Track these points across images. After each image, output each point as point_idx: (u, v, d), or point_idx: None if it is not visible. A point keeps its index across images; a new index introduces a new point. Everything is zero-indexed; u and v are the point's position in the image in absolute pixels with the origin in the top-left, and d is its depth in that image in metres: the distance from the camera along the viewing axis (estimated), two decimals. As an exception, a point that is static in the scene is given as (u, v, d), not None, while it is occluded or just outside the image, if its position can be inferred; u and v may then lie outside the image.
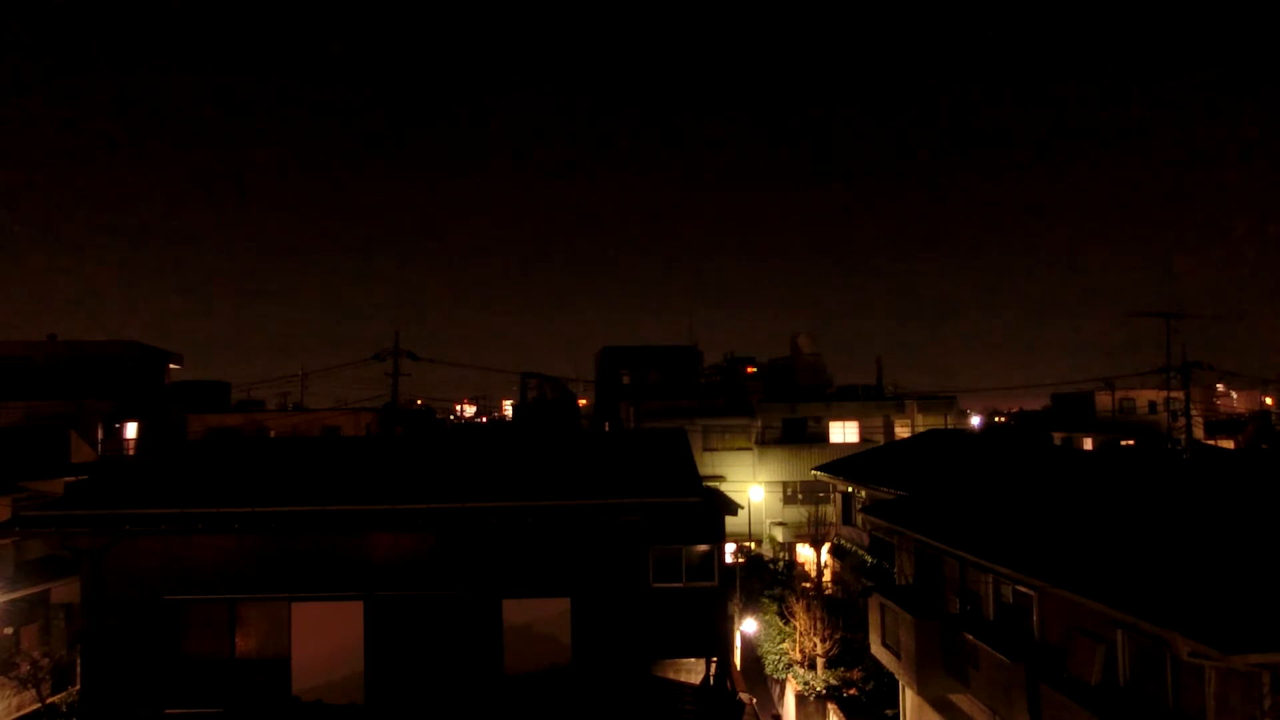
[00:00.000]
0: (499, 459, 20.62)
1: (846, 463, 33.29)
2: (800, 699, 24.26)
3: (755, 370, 61.78)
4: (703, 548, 17.81)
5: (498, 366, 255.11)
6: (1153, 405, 61.44)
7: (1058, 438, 57.63)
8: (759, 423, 44.18)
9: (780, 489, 42.92)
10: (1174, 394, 40.96)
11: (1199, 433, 55.41)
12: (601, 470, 19.15)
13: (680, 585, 17.66)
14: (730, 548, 28.87)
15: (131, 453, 38.50)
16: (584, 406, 68.86)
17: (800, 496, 41.91)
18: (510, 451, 21.63)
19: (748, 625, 27.90)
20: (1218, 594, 10.60)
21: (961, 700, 16.62)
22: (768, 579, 31.41)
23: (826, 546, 34.54)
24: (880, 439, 42.82)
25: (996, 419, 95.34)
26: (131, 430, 39.31)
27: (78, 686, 18.16)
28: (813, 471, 35.74)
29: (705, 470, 31.26)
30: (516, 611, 16.62)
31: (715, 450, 43.01)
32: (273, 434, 48.82)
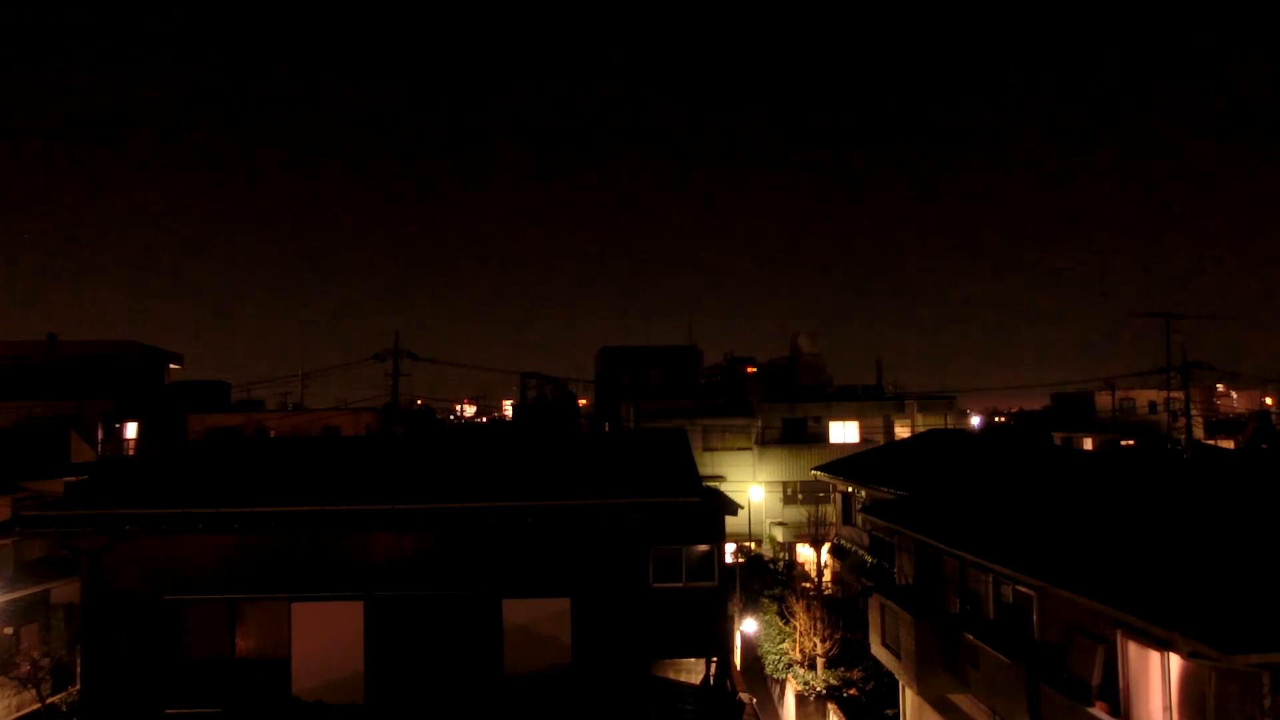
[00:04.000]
0: (499, 459, 20.60)
1: (846, 463, 33.29)
2: (800, 699, 24.28)
3: (755, 370, 61.88)
4: (703, 548, 17.81)
5: (498, 366, 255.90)
6: (1153, 405, 61.45)
7: (1058, 438, 57.61)
8: (759, 423, 44.19)
9: (780, 489, 42.93)
10: (1174, 394, 40.96)
11: (1199, 433, 55.40)
12: (602, 470, 19.13)
13: (680, 585, 17.67)
14: (730, 548, 28.85)
15: (131, 453, 38.51)
16: (584, 406, 68.89)
17: (800, 496, 41.92)
18: (510, 452, 21.61)
19: (748, 625, 27.91)
20: (1218, 594, 10.60)
21: (961, 700, 16.63)
22: (768, 579, 31.42)
23: (826, 546, 34.55)
24: (880, 439, 42.81)
25: (996, 419, 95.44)
26: (131, 430, 39.31)
27: (78, 686, 18.17)
28: (813, 471, 35.74)
29: (705, 470, 31.27)
30: (516, 611, 16.59)
31: (715, 450, 43.02)
32: (273, 434, 48.89)
